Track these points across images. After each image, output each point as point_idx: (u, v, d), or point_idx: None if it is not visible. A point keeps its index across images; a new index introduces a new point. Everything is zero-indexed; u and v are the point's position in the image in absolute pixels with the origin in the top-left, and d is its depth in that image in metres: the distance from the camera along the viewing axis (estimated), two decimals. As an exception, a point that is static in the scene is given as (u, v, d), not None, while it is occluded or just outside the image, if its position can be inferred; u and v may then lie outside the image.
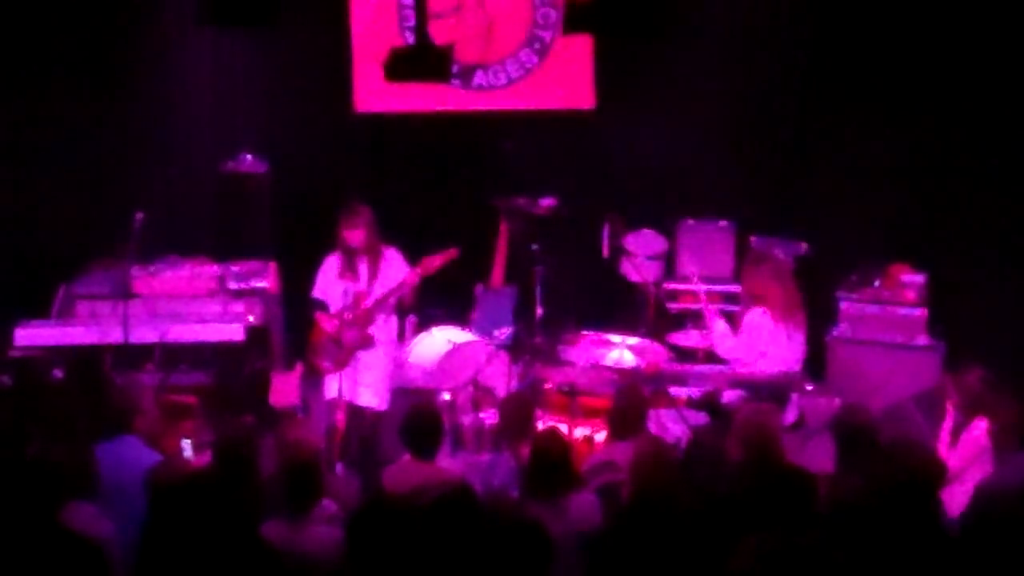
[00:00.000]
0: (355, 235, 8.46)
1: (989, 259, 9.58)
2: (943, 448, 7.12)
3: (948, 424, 7.31)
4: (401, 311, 8.92)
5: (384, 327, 8.64)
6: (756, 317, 8.35)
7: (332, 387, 8.50)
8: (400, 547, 4.85)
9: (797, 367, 8.40)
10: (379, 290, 8.48)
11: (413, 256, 8.54)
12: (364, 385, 8.51)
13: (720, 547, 5.13)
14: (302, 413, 9.05)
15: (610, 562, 5.29)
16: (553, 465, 6.02)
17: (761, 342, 8.29)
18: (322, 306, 8.57)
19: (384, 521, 4.90)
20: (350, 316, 8.41)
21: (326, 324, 8.51)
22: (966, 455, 7.05)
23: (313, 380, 8.92)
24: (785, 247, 9.72)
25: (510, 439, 7.08)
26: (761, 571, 4.11)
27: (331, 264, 8.60)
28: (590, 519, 5.88)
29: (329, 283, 8.59)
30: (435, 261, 8.44)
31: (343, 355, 8.42)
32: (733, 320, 8.79)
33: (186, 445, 7.61)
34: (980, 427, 7.16)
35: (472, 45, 10.61)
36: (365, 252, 8.51)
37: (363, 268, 8.54)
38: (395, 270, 8.53)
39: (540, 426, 7.45)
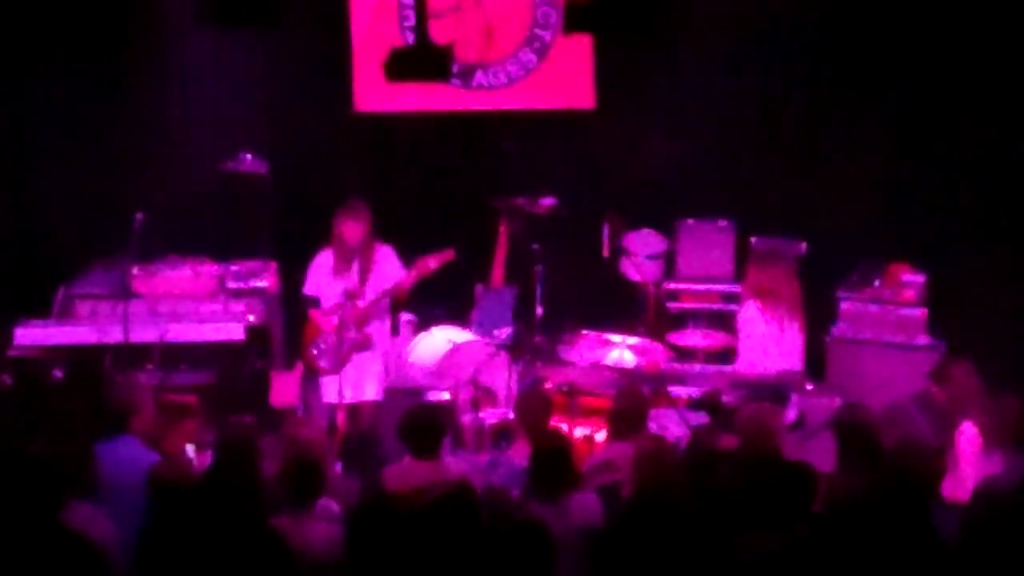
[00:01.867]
0: (354, 231, 8.45)
1: (989, 259, 9.57)
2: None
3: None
4: (394, 307, 8.94)
5: (378, 325, 8.66)
6: (750, 313, 8.37)
7: (331, 389, 8.52)
8: (400, 546, 4.85)
9: (798, 365, 8.41)
10: (372, 287, 8.49)
11: (413, 256, 8.54)
12: (361, 381, 8.55)
13: (720, 546, 5.14)
14: (302, 412, 9.05)
15: (612, 561, 5.29)
16: (554, 465, 6.02)
17: (759, 336, 8.31)
18: (314, 303, 8.58)
19: (384, 520, 4.90)
20: (347, 316, 8.42)
21: (321, 321, 8.53)
22: (968, 477, 6.91)
23: (312, 379, 8.92)
24: (785, 247, 9.72)
25: (526, 434, 7.06)
26: (762, 569, 4.12)
27: (323, 260, 8.61)
28: (592, 519, 5.88)
29: (322, 279, 8.60)
30: (431, 262, 8.44)
31: (342, 356, 8.42)
32: (732, 321, 8.80)
33: (189, 447, 7.60)
34: (968, 436, 7.09)
35: (472, 45, 10.60)
36: (359, 249, 8.51)
37: (356, 265, 8.54)
38: (388, 267, 8.54)
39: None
